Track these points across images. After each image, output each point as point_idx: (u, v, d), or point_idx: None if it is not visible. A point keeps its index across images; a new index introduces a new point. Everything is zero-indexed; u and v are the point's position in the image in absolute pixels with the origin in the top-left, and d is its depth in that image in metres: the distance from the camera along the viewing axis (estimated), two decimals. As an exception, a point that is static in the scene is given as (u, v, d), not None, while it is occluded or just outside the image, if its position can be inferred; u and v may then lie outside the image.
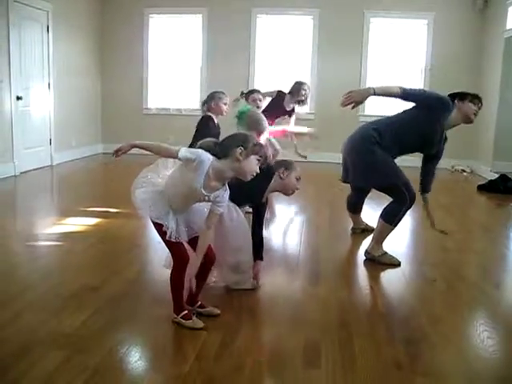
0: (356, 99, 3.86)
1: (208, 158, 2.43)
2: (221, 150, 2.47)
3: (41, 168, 7.74)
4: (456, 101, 3.91)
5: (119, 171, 7.98)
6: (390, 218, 3.87)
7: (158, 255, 3.97)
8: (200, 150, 2.45)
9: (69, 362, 2.27)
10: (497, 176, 7.16)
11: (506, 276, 3.88)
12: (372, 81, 9.20)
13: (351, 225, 4.81)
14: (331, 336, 2.63)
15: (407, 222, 4.98)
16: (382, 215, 3.94)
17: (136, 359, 2.36)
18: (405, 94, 3.78)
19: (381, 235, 3.93)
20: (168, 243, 2.62)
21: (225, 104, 4.58)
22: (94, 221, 4.77)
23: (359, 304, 3.12)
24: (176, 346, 2.48)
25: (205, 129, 4.51)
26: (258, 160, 2.49)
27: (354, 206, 4.64)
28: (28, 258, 3.79)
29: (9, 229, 4.59)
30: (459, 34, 8.92)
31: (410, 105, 3.94)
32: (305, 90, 6.02)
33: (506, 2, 7.75)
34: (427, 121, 3.85)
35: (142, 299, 3.05)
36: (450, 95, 3.91)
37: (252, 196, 3.12)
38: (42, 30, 7.76)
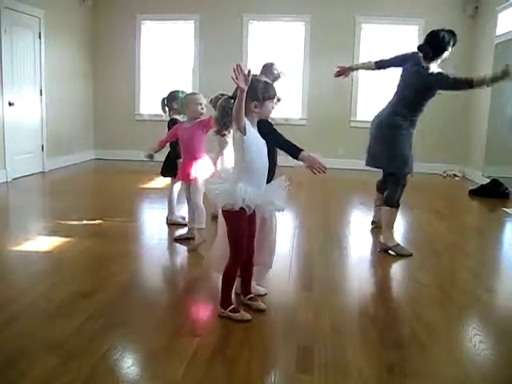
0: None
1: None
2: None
3: (33, 174, 7.72)
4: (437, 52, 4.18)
5: (111, 178, 7.98)
6: (390, 201, 4.25)
7: (150, 261, 3.98)
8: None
9: (62, 368, 2.26)
10: (488, 181, 7.20)
11: (497, 280, 3.90)
12: (363, 85, 9.26)
13: (343, 228, 4.83)
14: (323, 340, 2.64)
15: (399, 228, 5.00)
16: (384, 202, 4.32)
17: (129, 365, 2.35)
18: None
19: (388, 221, 4.29)
20: (232, 237, 2.80)
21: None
22: (86, 227, 4.76)
23: (351, 308, 3.13)
24: (169, 352, 2.47)
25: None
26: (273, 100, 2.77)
27: (383, 186, 4.64)
28: (20, 264, 3.78)
29: (0, 235, 4.57)
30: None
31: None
32: (276, 69, 6.61)
33: (496, 9, 7.82)
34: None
35: (134, 304, 3.04)
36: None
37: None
38: (34, 36, 7.75)
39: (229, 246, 2.83)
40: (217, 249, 3.10)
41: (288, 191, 2.93)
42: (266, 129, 2.95)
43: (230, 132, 2.96)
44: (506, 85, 7.80)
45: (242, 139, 2.68)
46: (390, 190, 4.29)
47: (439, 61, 4.20)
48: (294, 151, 2.91)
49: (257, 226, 3.01)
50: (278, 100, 4.73)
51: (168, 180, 5.04)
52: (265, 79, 2.84)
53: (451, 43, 4.18)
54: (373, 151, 4.40)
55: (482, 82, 4.10)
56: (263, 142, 2.81)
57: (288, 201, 2.96)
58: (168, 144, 4.77)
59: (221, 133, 2.92)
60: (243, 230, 2.80)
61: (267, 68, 7.03)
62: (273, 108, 2.82)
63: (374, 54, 9.09)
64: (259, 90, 2.73)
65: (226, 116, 2.80)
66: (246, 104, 2.63)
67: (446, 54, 4.20)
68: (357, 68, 4.92)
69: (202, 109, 4.22)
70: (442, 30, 4.17)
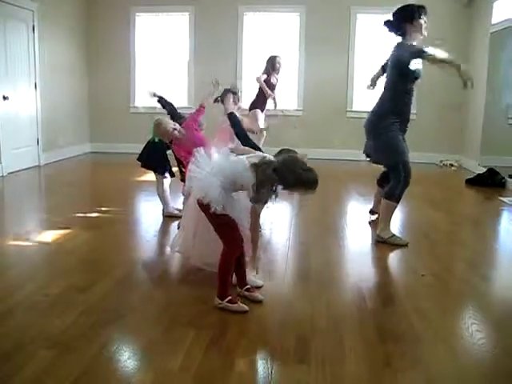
0: None
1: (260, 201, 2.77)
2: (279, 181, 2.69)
3: (28, 168, 7.69)
4: (406, 24, 4.19)
5: (107, 171, 7.96)
6: (390, 195, 4.22)
7: (147, 253, 3.98)
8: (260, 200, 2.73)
9: (58, 362, 2.26)
10: (484, 170, 7.20)
11: (493, 269, 3.91)
12: (359, 76, 9.23)
13: (340, 219, 4.84)
14: (320, 331, 2.64)
15: (395, 217, 5.00)
16: (384, 195, 4.30)
17: (125, 358, 2.35)
18: None
19: (386, 214, 4.28)
20: (217, 228, 2.83)
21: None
22: (82, 220, 4.75)
23: (348, 299, 3.13)
24: (166, 343, 2.47)
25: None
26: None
27: (382, 179, 4.67)
28: (16, 258, 3.76)
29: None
30: (445, 29, 8.93)
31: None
32: (279, 63, 7.45)
33: (491, -3, 7.80)
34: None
35: (130, 299, 3.04)
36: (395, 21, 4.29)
37: None
38: (28, 29, 7.69)
39: (220, 239, 2.85)
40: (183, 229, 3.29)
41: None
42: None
43: None
44: (502, 75, 7.82)
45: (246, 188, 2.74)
46: (391, 183, 4.26)
47: (414, 36, 4.18)
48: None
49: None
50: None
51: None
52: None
53: (420, 12, 4.19)
54: (367, 148, 4.45)
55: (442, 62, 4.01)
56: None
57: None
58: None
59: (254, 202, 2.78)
60: (226, 220, 2.77)
61: (270, 61, 7.30)
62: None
63: (369, 44, 9.10)
64: (297, 186, 2.72)
65: (264, 187, 2.66)
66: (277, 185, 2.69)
67: (417, 24, 4.16)
68: (378, 77, 4.72)
69: (174, 128, 4.15)
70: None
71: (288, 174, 2.65)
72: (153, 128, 4.21)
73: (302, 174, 2.65)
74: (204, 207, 2.77)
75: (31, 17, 7.72)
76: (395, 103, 4.15)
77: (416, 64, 4.05)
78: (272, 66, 7.40)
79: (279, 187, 2.69)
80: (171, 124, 4.14)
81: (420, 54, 3.96)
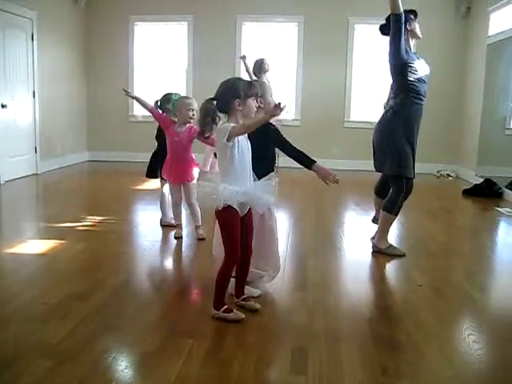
0: None
1: (229, 125, 2.70)
2: (221, 108, 2.78)
3: (26, 176, 7.69)
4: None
5: (105, 179, 7.96)
6: (389, 208, 4.14)
7: (144, 262, 3.98)
8: (223, 127, 2.71)
9: (56, 371, 2.25)
10: (481, 180, 7.22)
11: (491, 280, 3.91)
12: (357, 87, 9.27)
13: (337, 229, 4.83)
14: (318, 341, 2.64)
15: (392, 228, 5.00)
16: (383, 206, 4.20)
17: (122, 367, 2.34)
18: None
19: (384, 225, 4.23)
20: (224, 238, 2.81)
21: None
22: (79, 229, 4.75)
23: (345, 309, 3.13)
24: (163, 354, 2.46)
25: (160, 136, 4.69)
26: (255, 99, 2.82)
27: (380, 189, 4.49)
28: (13, 267, 3.75)
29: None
30: (442, 40, 9.00)
31: None
32: (267, 64, 7.46)
33: (488, 9, 7.85)
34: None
35: (128, 307, 3.03)
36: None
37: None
38: (27, 38, 7.72)
39: (223, 247, 2.84)
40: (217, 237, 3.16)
41: (277, 189, 2.97)
42: (275, 137, 3.14)
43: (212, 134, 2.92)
44: (498, 85, 7.86)
45: (226, 144, 2.70)
46: (391, 196, 4.16)
47: (409, 37, 4.19)
48: (308, 162, 3.14)
49: (257, 228, 3.04)
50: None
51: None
52: (248, 79, 2.87)
53: (413, 14, 4.21)
54: (375, 156, 4.28)
55: None
56: (248, 145, 2.83)
57: (281, 200, 2.98)
58: (156, 144, 4.83)
59: (203, 135, 2.88)
60: (235, 231, 2.78)
61: (260, 62, 7.34)
62: (256, 107, 2.84)
63: (367, 54, 9.14)
64: (241, 87, 2.75)
65: (207, 118, 2.78)
66: (229, 103, 2.73)
67: (410, 27, 4.15)
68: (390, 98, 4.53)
69: (193, 115, 4.26)
70: None
71: (220, 89, 2.80)
72: (178, 98, 4.40)
73: (229, 79, 2.84)
74: (218, 216, 2.80)
75: (30, 25, 7.75)
76: (403, 109, 4.03)
77: (419, 68, 4.04)
78: (259, 68, 7.38)
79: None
80: (194, 105, 4.28)
81: (392, 22, 3.99)
